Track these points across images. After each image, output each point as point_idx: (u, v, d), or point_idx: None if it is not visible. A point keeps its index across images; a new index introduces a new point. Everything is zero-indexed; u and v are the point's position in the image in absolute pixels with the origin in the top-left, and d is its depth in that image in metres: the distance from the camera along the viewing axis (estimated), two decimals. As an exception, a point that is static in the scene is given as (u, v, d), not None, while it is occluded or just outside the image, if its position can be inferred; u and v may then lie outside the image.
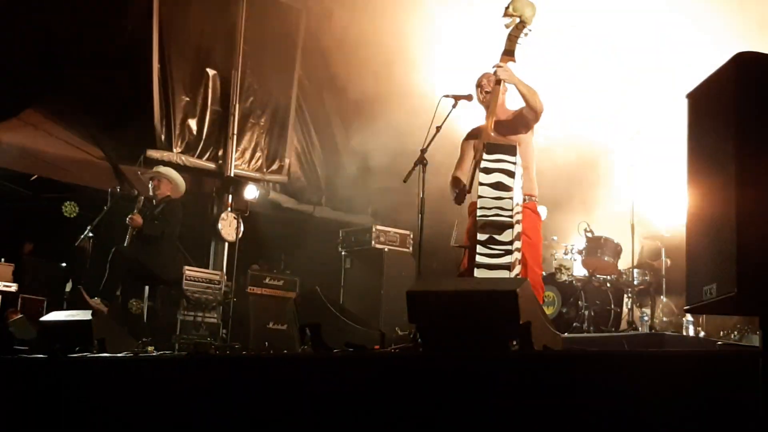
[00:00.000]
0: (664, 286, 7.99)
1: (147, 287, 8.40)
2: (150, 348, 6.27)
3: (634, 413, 3.17)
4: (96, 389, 5.10)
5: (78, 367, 5.41)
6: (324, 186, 11.72)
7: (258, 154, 11.02)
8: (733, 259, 2.41)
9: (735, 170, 2.46)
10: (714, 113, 2.63)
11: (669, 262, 8.05)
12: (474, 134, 5.76)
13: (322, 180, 11.73)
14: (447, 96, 5.77)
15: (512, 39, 5.43)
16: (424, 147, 5.68)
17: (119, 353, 5.58)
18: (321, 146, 11.77)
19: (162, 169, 8.53)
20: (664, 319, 7.75)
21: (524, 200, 5.32)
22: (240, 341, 8.42)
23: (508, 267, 4.99)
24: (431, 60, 9.06)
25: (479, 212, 5.08)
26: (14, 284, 8.71)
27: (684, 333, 7.24)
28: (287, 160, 11.27)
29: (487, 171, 5.08)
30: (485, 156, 5.13)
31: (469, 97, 5.71)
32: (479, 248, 5.08)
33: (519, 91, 5.44)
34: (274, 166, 11.15)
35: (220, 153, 10.58)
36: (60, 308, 7.92)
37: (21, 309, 8.50)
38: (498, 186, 5.04)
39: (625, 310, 8.04)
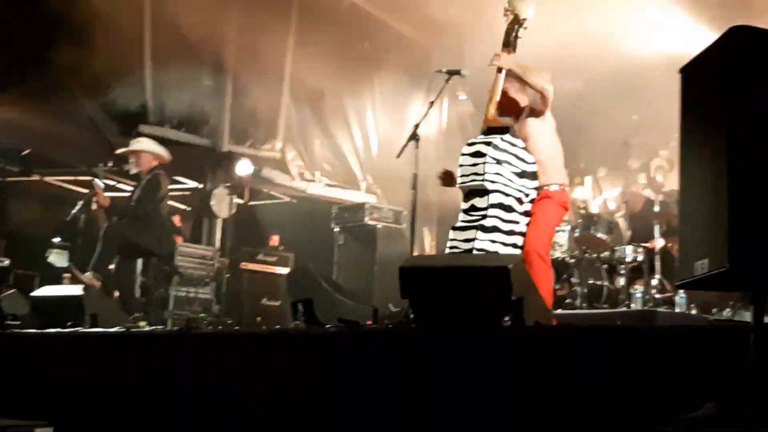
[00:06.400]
0: (657, 262, 8.00)
1: (140, 262, 8.38)
2: (142, 323, 6.28)
3: (625, 388, 3.17)
4: (87, 365, 5.09)
5: (69, 343, 5.40)
6: (318, 163, 11.70)
7: (251, 130, 10.97)
8: (725, 233, 2.39)
9: (728, 145, 2.45)
10: (707, 88, 2.61)
11: (662, 239, 8.07)
12: None
13: (315, 157, 11.70)
14: (439, 71, 5.77)
15: (507, 32, 5.54)
16: (418, 122, 5.68)
17: (111, 328, 5.57)
18: (316, 123, 11.73)
19: (136, 144, 8.37)
20: (657, 296, 7.77)
21: (541, 189, 5.36)
22: (233, 317, 8.43)
23: (482, 228, 5.10)
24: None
25: (459, 180, 5.31)
26: (6, 259, 8.69)
27: (677, 310, 7.26)
28: (281, 136, 11.22)
29: (471, 144, 5.30)
30: (479, 137, 5.32)
31: (461, 73, 5.72)
32: (461, 215, 5.27)
33: (518, 74, 5.45)
34: (268, 142, 11.11)
35: (213, 129, 10.53)
36: (53, 283, 7.91)
37: (13, 284, 8.48)
38: (476, 154, 5.23)
39: (617, 286, 8.06)
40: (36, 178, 10.92)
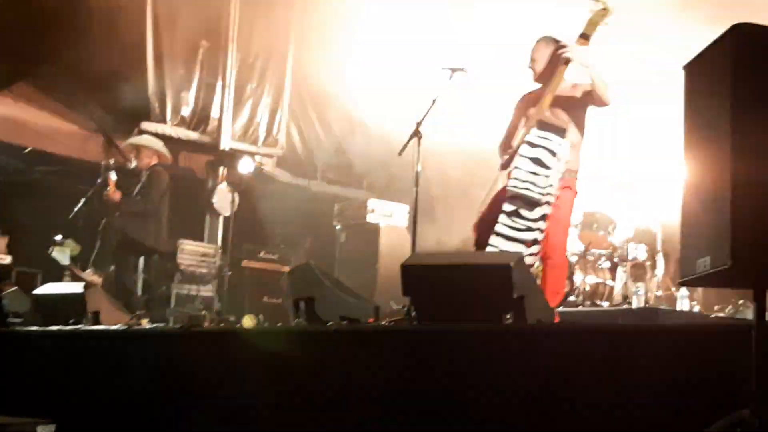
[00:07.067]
0: (659, 260, 7.99)
1: (141, 260, 8.38)
2: (144, 321, 6.26)
3: (626, 386, 3.17)
4: (90, 362, 5.09)
5: (71, 340, 5.40)
6: (320, 160, 11.68)
7: (253, 127, 10.97)
8: (727, 231, 2.39)
9: (730, 143, 2.44)
10: (710, 85, 2.60)
11: (664, 236, 8.06)
12: (529, 99, 5.56)
13: (317, 153, 11.68)
14: (444, 68, 5.75)
15: (592, 24, 5.23)
16: (420, 119, 5.66)
17: (113, 326, 5.57)
18: (317, 119, 11.71)
19: (136, 139, 8.39)
20: (659, 293, 7.76)
21: (563, 176, 5.21)
22: (235, 314, 8.42)
23: (525, 243, 4.96)
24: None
25: (511, 182, 5.06)
26: (8, 257, 8.68)
27: (679, 308, 7.24)
28: (283, 134, 11.22)
29: (531, 145, 5.07)
30: (534, 131, 5.10)
31: (464, 70, 5.69)
32: (502, 217, 5.04)
33: (591, 78, 5.23)
34: (270, 140, 11.10)
35: (215, 126, 10.53)
36: (55, 281, 7.90)
37: (15, 282, 8.47)
38: (537, 161, 5.02)
39: (619, 284, 8.05)
40: (38, 176, 10.92)
